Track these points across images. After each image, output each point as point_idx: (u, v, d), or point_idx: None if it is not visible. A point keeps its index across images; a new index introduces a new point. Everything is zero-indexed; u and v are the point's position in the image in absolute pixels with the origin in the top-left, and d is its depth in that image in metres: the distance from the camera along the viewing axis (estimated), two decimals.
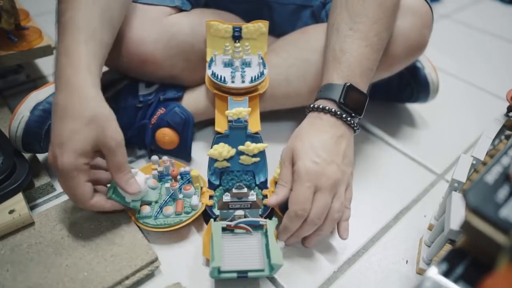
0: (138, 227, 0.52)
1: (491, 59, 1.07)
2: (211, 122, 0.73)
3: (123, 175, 0.47)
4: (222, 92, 0.60)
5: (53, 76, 0.46)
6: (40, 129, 0.55)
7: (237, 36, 0.64)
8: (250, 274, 0.45)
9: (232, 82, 0.59)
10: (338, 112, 0.50)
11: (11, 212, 0.49)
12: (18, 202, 0.51)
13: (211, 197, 0.55)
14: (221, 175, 0.57)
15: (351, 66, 0.51)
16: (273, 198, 0.49)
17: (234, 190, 0.51)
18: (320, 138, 0.49)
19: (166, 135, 0.63)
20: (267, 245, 0.48)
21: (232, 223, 0.49)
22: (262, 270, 0.45)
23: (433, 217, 0.57)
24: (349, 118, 0.50)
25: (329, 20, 0.57)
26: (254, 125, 0.58)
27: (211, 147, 0.55)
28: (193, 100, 0.67)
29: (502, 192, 0.29)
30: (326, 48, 0.55)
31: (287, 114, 0.75)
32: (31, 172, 0.55)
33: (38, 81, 0.82)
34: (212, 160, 0.56)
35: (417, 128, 0.78)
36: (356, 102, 0.51)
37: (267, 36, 0.64)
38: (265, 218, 0.51)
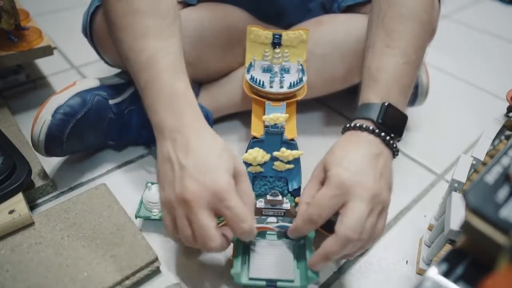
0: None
1: (491, 59, 1.07)
2: (224, 118, 0.73)
3: (254, 202, 0.45)
4: (260, 97, 0.59)
5: (153, 110, 0.46)
6: (62, 132, 0.56)
7: (276, 43, 0.64)
8: (279, 283, 0.44)
9: (271, 87, 0.58)
10: (377, 131, 0.46)
11: (11, 212, 0.49)
12: (18, 202, 0.51)
13: None
14: (253, 180, 0.56)
15: (388, 84, 0.48)
16: (294, 222, 0.46)
17: (268, 197, 0.51)
18: (355, 151, 0.45)
19: None
20: (298, 255, 0.47)
21: (262, 225, 0.48)
22: (292, 281, 0.45)
23: (433, 217, 0.57)
24: (387, 138, 0.46)
25: (366, 42, 0.55)
26: (291, 131, 0.57)
27: (246, 151, 0.55)
28: (210, 98, 0.67)
29: (502, 192, 0.29)
30: (362, 68, 0.53)
31: (324, 123, 0.77)
32: (31, 172, 0.55)
33: (38, 81, 0.82)
34: (245, 164, 0.56)
35: (417, 128, 0.78)
36: (395, 122, 0.47)
37: (307, 44, 0.63)
38: None
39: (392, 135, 0.47)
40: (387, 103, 0.47)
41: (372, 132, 0.46)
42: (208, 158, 0.42)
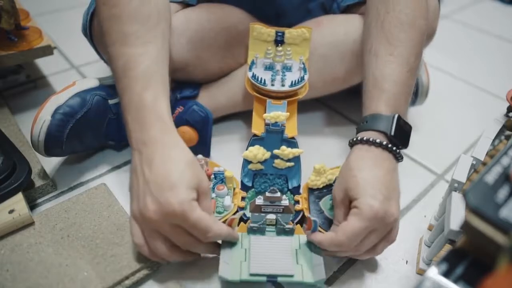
0: None
1: (491, 59, 1.07)
2: (226, 118, 0.73)
3: (214, 218, 0.45)
4: (261, 95, 0.60)
5: (129, 122, 0.46)
6: (62, 133, 0.55)
7: (279, 40, 0.64)
8: (279, 279, 0.45)
9: (272, 85, 0.59)
10: (389, 146, 0.46)
11: (11, 212, 0.49)
12: (18, 202, 0.51)
13: (243, 198, 0.55)
14: (254, 177, 0.57)
15: (396, 95, 0.49)
16: (320, 236, 0.46)
17: (267, 194, 0.51)
18: (375, 173, 0.45)
19: (186, 133, 0.63)
20: (303, 253, 0.47)
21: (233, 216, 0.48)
22: (292, 276, 0.45)
23: (433, 217, 0.57)
24: (398, 151, 0.47)
25: (364, 45, 0.55)
26: (291, 129, 0.57)
27: (247, 149, 0.56)
28: (210, 98, 0.68)
29: (502, 192, 0.29)
30: (364, 74, 0.53)
31: (325, 123, 0.77)
32: (31, 172, 0.55)
33: (38, 81, 0.82)
34: (246, 162, 0.56)
35: (417, 128, 0.78)
36: (404, 135, 0.48)
37: (310, 42, 0.63)
38: (296, 224, 0.51)
39: (400, 147, 0.48)
40: (397, 115, 0.48)
41: (386, 147, 0.46)
42: (169, 174, 0.42)
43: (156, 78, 0.47)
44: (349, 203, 0.45)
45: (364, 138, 0.47)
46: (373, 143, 0.47)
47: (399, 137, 0.47)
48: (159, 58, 0.48)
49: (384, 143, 0.46)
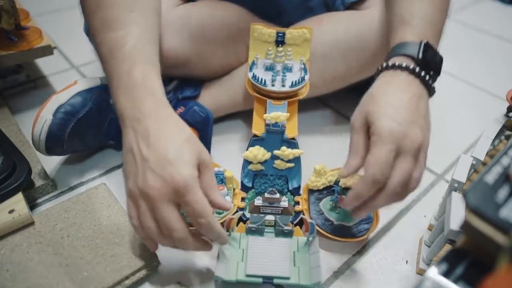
0: None
1: (491, 59, 1.07)
2: (227, 117, 0.74)
3: (218, 192, 0.44)
4: (262, 95, 0.60)
5: (117, 102, 0.44)
6: (63, 131, 0.56)
7: (280, 41, 0.64)
8: (276, 280, 0.45)
9: (273, 85, 0.59)
10: (417, 70, 0.44)
11: (11, 211, 0.49)
12: (18, 202, 0.51)
13: (243, 199, 0.55)
14: (254, 177, 0.57)
15: (423, 28, 0.47)
16: (345, 170, 0.43)
17: (266, 195, 0.51)
18: (399, 97, 0.42)
19: None
20: (300, 256, 0.47)
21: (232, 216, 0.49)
22: (288, 278, 0.45)
23: (433, 217, 0.57)
24: (427, 77, 0.44)
25: (390, 9, 0.53)
26: (291, 130, 0.57)
27: (247, 149, 0.56)
28: (211, 98, 0.68)
29: (502, 192, 0.29)
30: (389, 17, 0.51)
31: (325, 123, 0.77)
32: (31, 172, 0.55)
33: (38, 81, 0.82)
34: (246, 162, 0.56)
35: None
36: (434, 61, 0.45)
37: (310, 42, 0.63)
38: (295, 225, 0.51)
39: (431, 73, 0.45)
40: (426, 41, 0.46)
41: (413, 71, 0.44)
42: (168, 150, 0.40)
43: (143, 57, 0.46)
44: (368, 129, 0.43)
45: (390, 64, 0.45)
46: (399, 67, 0.44)
47: (429, 63, 0.45)
48: (144, 38, 0.47)
49: (411, 66, 0.44)
